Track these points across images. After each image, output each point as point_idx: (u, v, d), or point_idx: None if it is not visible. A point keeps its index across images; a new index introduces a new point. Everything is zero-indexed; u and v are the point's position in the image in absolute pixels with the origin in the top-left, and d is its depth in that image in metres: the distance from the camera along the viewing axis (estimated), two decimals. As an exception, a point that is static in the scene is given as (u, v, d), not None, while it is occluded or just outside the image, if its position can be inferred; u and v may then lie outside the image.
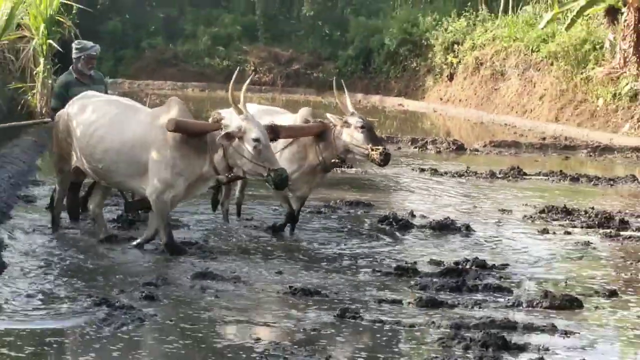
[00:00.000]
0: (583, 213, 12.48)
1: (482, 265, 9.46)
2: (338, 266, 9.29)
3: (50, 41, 19.74)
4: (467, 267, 9.39)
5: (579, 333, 7.36)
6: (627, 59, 24.05)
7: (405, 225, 11.45)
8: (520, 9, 33.21)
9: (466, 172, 16.69)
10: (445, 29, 34.64)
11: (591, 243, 10.87)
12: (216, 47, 38.32)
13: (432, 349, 6.84)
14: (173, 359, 6.49)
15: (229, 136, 8.82)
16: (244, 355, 6.55)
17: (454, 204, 13.51)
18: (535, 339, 7.12)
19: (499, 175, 16.10)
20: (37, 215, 11.18)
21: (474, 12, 34.60)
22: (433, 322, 7.45)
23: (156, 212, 9.15)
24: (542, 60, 29.14)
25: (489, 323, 7.38)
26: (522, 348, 6.84)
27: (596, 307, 8.16)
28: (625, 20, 23.64)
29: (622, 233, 11.43)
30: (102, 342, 6.70)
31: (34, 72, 19.75)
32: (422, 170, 16.98)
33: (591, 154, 20.66)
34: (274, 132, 9.32)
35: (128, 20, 39.25)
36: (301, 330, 7.17)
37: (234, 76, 9.30)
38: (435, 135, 24.60)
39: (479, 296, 8.37)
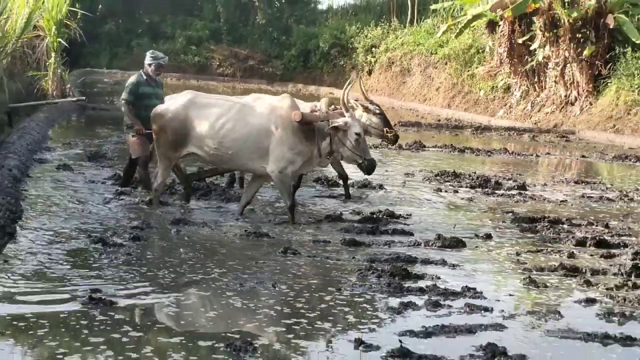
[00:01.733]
0: (467, 176, 12.59)
1: (391, 214, 9.52)
2: (284, 216, 9.27)
3: (60, 39, 19.96)
4: (380, 216, 9.46)
5: (462, 266, 7.45)
6: (502, 61, 24.24)
7: (334, 184, 11.51)
8: (422, 21, 33.36)
9: (380, 145, 16.76)
10: (366, 36, 34.83)
11: (473, 199, 10.98)
12: (190, 47, 38.29)
13: (353, 277, 6.88)
14: (149, 278, 6.47)
15: (336, 129, 8.67)
16: (204, 285, 6.55)
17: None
18: (430, 270, 7.19)
19: (405, 147, 16.17)
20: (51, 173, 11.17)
21: (388, 23, 34.80)
22: (354, 257, 7.51)
23: (280, 183, 8.85)
24: (438, 61, 29.34)
25: (396, 258, 7.44)
26: (420, 277, 6.90)
27: (476, 247, 8.26)
28: (501, 31, 23.79)
29: (496, 191, 11.58)
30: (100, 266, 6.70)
31: (47, 64, 19.73)
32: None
33: (474, 132, 20.79)
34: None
35: (121, 24, 39.12)
36: (253, 262, 7.18)
37: (348, 83, 9.04)
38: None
39: (389, 238, 8.42)
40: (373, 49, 34.09)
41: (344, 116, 8.77)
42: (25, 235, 7.66)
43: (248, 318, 5.72)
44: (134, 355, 4.94)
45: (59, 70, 19.96)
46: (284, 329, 5.52)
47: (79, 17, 21.87)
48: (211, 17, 40.68)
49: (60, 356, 4.91)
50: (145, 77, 10.04)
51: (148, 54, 10.27)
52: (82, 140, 15.05)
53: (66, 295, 5.99)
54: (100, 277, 6.49)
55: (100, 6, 37.25)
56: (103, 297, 5.86)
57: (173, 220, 8.59)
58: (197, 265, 7.00)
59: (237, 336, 5.26)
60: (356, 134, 8.66)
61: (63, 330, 5.35)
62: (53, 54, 19.70)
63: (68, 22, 20.64)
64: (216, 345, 5.13)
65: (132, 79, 10.09)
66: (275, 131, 8.71)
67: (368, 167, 8.85)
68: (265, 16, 39.96)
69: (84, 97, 20.45)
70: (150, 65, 10.05)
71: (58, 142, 14.66)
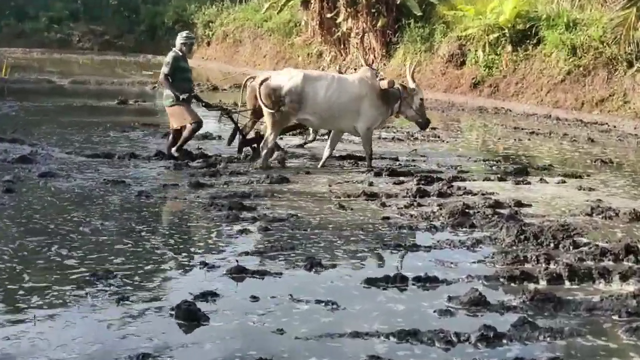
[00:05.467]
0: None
1: (229, 160, 9.45)
2: (145, 167, 8.95)
3: None
4: (221, 162, 9.33)
5: (287, 197, 7.51)
6: (315, 32, 24.45)
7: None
8: (250, 0, 33.10)
9: (218, 102, 16.53)
10: (204, 13, 34.26)
11: (288, 142, 11.01)
12: (52, 25, 36.46)
13: (199, 211, 6.79)
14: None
15: (407, 91, 9.09)
16: (68, 231, 6.29)
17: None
18: (261, 202, 7.21)
19: (239, 104, 16.00)
20: None
21: (222, 2, 34.30)
22: (198, 196, 7.39)
23: (366, 139, 9.11)
24: (264, 33, 29.24)
25: (234, 195, 7.41)
26: (253, 208, 6.90)
27: (297, 182, 8.34)
28: (313, 8, 23.91)
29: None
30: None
31: None
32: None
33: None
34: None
35: (-11, 7, 36.73)
36: (112, 206, 6.94)
37: (410, 65, 9.84)
38: (200, 80, 24.23)
39: (227, 179, 8.34)
40: (210, 24, 33.61)
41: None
42: None
43: (110, 252, 5.52)
44: None
45: None
46: (139, 257, 5.38)
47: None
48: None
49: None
50: (180, 54, 9.70)
51: (182, 35, 9.88)
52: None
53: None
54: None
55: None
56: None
57: (40, 173, 8.14)
58: (61, 213, 6.69)
59: (99, 268, 5.08)
60: (421, 98, 9.22)
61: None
62: None
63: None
64: (79, 273, 4.93)
65: (170, 56, 9.63)
66: (366, 97, 8.96)
67: (425, 124, 9.45)
68: (117, -2, 38.68)
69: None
70: (184, 44, 9.74)
71: None
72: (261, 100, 8.93)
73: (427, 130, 10.90)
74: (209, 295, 4.56)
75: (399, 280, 4.91)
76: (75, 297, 4.53)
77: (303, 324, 4.21)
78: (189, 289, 4.64)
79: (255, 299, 4.57)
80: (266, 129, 9.24)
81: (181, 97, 9.45)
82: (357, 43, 23.16)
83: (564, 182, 8.67)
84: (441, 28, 20.64)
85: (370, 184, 8.24)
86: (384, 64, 21.96)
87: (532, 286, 4.90)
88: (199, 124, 9.57)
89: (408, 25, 21.60)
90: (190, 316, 4.20)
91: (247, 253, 5.48)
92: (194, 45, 10.00)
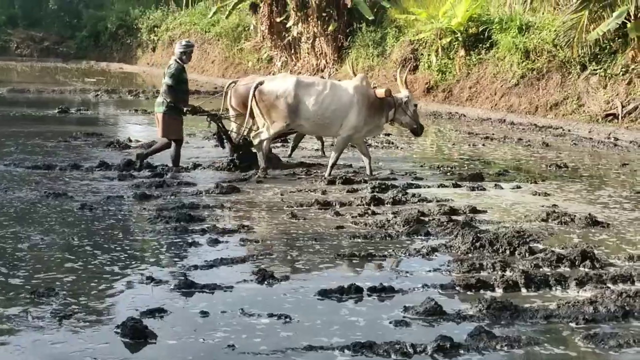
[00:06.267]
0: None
1: (179, 170, 9.39)
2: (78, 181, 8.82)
3: None
4: (168, 172, 9.27)
5: (238, 207, 7.48)
6: (264, 37, 24.45)
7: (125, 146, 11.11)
8: (197, 4, 32.94)
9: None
10: (148, 17, 33.98)
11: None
12: (-11, 31, 35.82)
13: (145, 224, 6.71)
14: None
15: (399, 100, 9.25)
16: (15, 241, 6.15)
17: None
18: (211, 213, 7.18)
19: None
20: None
21: (167, 7, 34.09)
22: (145, 208, 7.31)
23: (342, 145, 9.28)
24: (212, 38, 29.12)
25: (182, 206, 7.35)
26: (202, 220, 6.86)
27: (249, 191, 8.31)
28: (262, 12, 23.92)
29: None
30: None
31: None
32: (136, 111, 16.62)
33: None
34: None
35: None
36: (54, 217, 6.81)
37: (405, 68, 10.18)
38: (145, 87, 24.03)
39: (175, 189, 8.28)
40: (155, 28, 33.34)
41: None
42: None
43: (52, 269, 5.40)
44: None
45: None
46: (83, 273, 5.28)
47: None
48: (7, 4, 38.13)
49: None
50: (182, 64, 9.59)
51: (181, 44, 9.71)
52: None
53: None
54: None
55: None
56: None
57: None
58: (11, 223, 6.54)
59: (42, 283, 4.98)
60: (414, 105, 9.40)
61: None
62: None
63: None
64: (20, 292, 4.82)
65: (174, 67, 9.51)
66: (356, 104, 9.02)
67: (420, 130, 9.53)
68: (57, 2, 38.03)
69: None
70: (184, 53, 9.57)
71: None
72: (255, 105, 9.01)
73: (381, 136, 10.99)
74: (157, 312, 4.49)
75: (353, 291, 4.92)
76: (16, 316, 4.41)
77: (255, 339, 4.18)
78: (135, 306, 4.58)
79: (205, 314, 4.52)
80: (256, 136, 9.25)
81: (185, 109, 9.51)
82: (308, 48, 23.23)
83: (519, 187, 8.81)
84: (393, 32, 20.85)
85: (324, 192, 8.26)
86: (336, 69, 22.06)
87: (488, 294, 4.95)
88: (180, 142, 9.68)
89: (360, 29, 21.77)
90: (136, 334, 4.13)
91: (196, 267, 5.42)
92: (191, 54, 9.85)
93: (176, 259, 5.70)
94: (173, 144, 9.62)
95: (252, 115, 9.41)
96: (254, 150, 9.58)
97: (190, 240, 6.14)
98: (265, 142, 9.22)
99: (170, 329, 4.29)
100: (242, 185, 8.51)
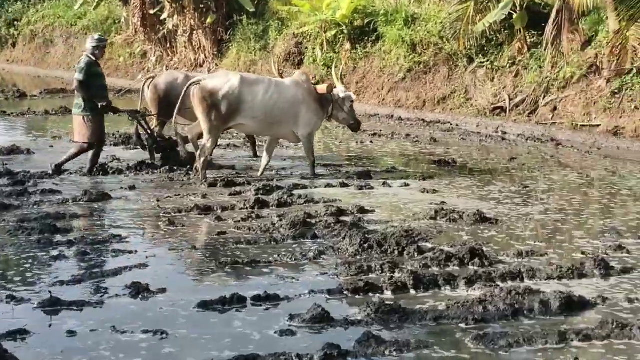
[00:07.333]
0: (112, 135, 12.26)
1: (40, 176, 9.06)
2: None
3: None
4: (30, 179, 8.92)
5: (110, 216, 7.28)
6: (137, 30, 23.98)
7: None
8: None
9: (27, 111, 15.95)
10: (7, 10, 32.67)
11: (116, 154, 10.71)
12: None
13: (4, 237, 6.40)
14: None
15: (336, 96, 9.55)
16: None
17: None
18: (78, 223, 6.95)
19: (52, 113, 15.48)
20: None
21: (27, -3, 32.91)
22: (4, 220, 6.97)
23: (309, 146, 9.50)
24: (79, 32, 28.37)
25: (46, 216, 7.10)
26: (69, 231, 6.65)
27: (121, 197, 8.11)
28: (134, 3, 23.44)
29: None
30: None
31: None
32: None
33: (119, 95, 20.18)
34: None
35: None
36: None
37: (337, 66, 10.92)
38: (5, 86, 23.09)
39: (38, 198, 7.97)
40: (15, 22, 32.10)
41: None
42: None
43: None
44: None
45: None
46: None
47: None
48: None
49: None
50: (93, 59, 9.38)
51: (93, 38, 9.55)
52: None
53: None
54: None
55: None
56: None
57: None
58: None
59: None
60: (351, 100, 9.73)
61: None
62: None
63: None
64: None
65: (84, 61, 9.30)
66: (304, 102, 9.28)
67: (356, 127, 10.01)
68: None
69: None
70: (97, 47, 9.43)
71: None
72: (195, 103, 8.94)
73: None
74: (18, 334, 4.34)
75: (236, 301, 4.88)
76: None
77: (129, 358, 4.07)
78: (-7, 328, 4.38)
79: (72, 333, 4.39)
80: (201, 153, 9.09)
81: (100, 104, 9.37)
82: (185, 42, 22.96)
83: (408, 185, 9.01)
84: (276, 25, 20.89)
85: (204, 196, 8.17)
86: (216, 64, 21.90)
87: (377, 297, 5.03)
88: (100, 144, 9.56)
89: (240, 22, 21.69)
90: (-6, 360, 3.95)
91: (62, 282, 5.26)
92: (105, 49, 9.76)
93: (40, 275, 5.50)
94: (84, 146, 9.45)
95: (180, 114, 9.37)
96: (178, 149, 9.84)
97: (55, 254, 5.94)
98: (209, 143, 9.06)
99: (34, 351, 4.15)
100: (114, 191, 8.29)
